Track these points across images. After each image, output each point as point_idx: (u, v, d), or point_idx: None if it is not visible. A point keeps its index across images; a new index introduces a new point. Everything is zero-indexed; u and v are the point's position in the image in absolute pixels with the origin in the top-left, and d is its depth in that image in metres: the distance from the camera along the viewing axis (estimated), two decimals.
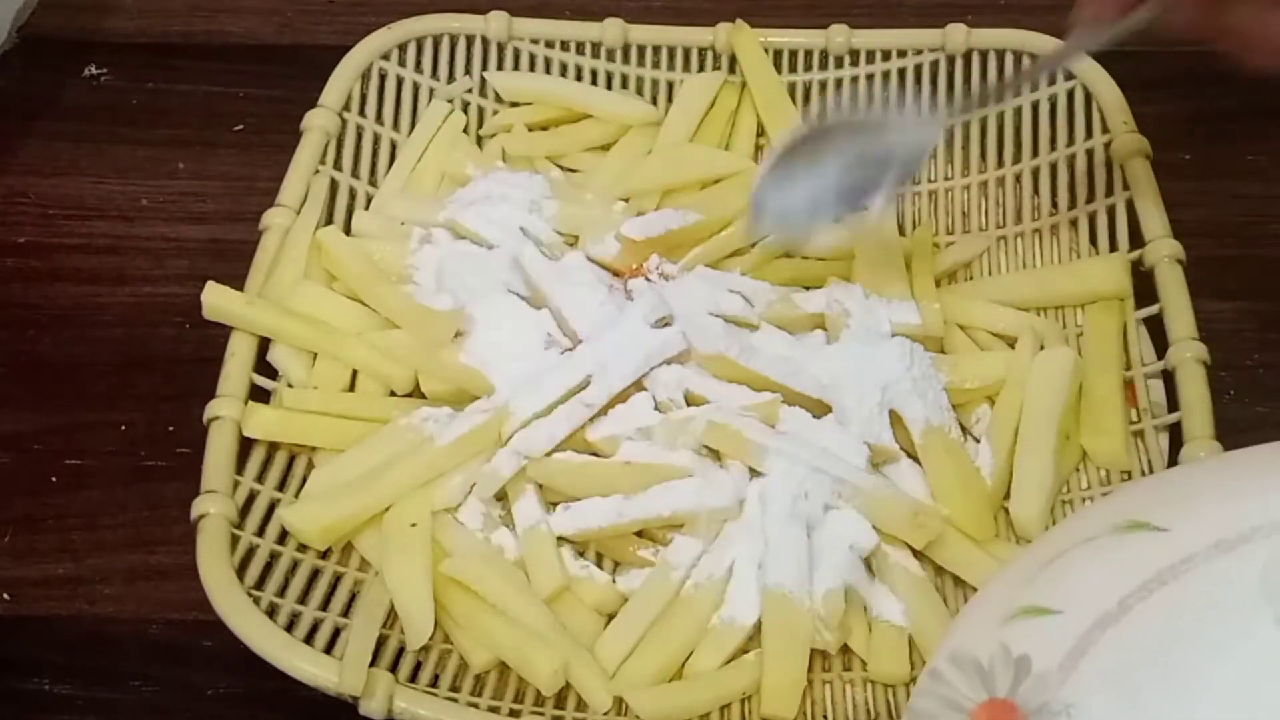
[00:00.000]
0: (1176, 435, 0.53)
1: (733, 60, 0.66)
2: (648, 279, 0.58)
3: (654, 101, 0.66)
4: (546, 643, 0.48)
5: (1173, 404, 0.54)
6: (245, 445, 0.52)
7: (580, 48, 0.66)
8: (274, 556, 0.50)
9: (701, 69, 0.66)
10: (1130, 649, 0.31)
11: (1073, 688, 0.30)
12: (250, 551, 0.50)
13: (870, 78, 0.66)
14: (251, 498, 0.51)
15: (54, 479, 0.56)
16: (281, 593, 0.49)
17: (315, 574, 0.51)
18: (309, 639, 0.47)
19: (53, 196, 0.66)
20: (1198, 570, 0.31)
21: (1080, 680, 0.31)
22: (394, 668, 0.48)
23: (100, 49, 0.72)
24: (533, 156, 0.64)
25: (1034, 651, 0.32)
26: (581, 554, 0.52)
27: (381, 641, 0.48)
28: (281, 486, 0.53)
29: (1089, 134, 0.62)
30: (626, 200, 0.61)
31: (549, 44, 0.66)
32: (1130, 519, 0.33)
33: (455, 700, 0.47)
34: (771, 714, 0.48)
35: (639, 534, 0.52)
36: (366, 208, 0.62)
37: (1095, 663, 0.31)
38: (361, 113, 0.63)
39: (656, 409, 0.53)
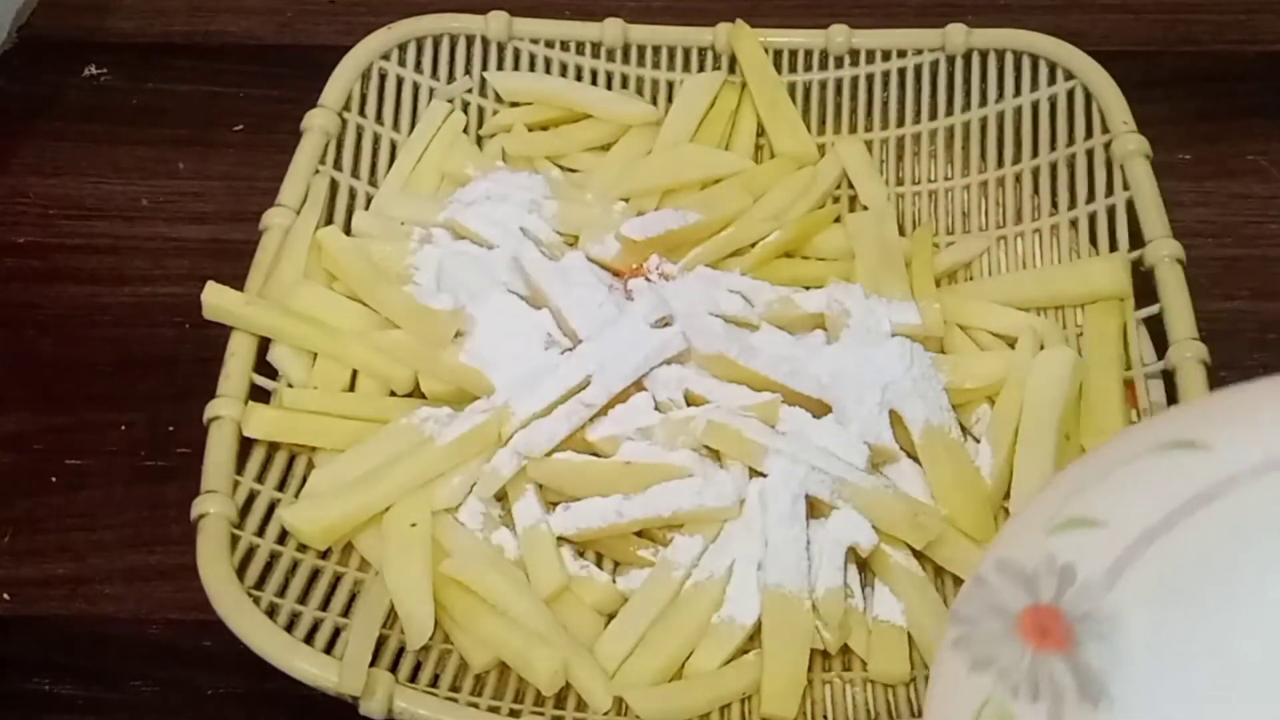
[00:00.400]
0: None
1: (733, 60, 0.66)
2: (648, 279, 0.58)
3: (654, 101, 0.66)
4: (546, 643, 0.48)
5: (1173, 404, 0.53)
6: (245, 445, 0.52)
7: (580, 48, 0.66)
8: (274, 556, 0.50)
9: (701, 69, 0.66)
10: (1176, 562, 0.31)
11: (1117, 596, 0.30)
12: (250, 551, 0.50)
13: (870, 78, 0.66)
14: (251, 498, 0.51)
15: (54, 479, 0.56)
16: (281, 593, 0.49)
17: (315, 574, 0.51)
18: (309, 639, 0.47)
19: (53, 196, 0.66)
20: (1244, 488, 0.31)
21: (1125, 589, 0.30)
22: (394, 668, 0.47)
23: (100, 49, 0.72)
24: (533, 156, 0.64)
25: (1079, 561, 0.31)
26: (581, 554, 0.52)
27: (381, 641, 0.48)
28: (281, 486, 0.53)
29: (1089, 134, 0.61)
30: (626, 200, 0.61)
31: (549, 44, 0.66)
32: (1176, 438, 0.33)
33: (455, 700, 0.47)
34: (771, 714, 0.48)
35: (639, 534, 0.52)
36: (366, 208, 0.62)
37: (1140, 574, 0.31)
38: (361, 113, 0.63)
39: (656, 409, 0.53)
